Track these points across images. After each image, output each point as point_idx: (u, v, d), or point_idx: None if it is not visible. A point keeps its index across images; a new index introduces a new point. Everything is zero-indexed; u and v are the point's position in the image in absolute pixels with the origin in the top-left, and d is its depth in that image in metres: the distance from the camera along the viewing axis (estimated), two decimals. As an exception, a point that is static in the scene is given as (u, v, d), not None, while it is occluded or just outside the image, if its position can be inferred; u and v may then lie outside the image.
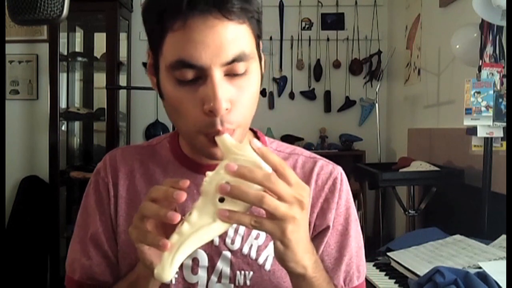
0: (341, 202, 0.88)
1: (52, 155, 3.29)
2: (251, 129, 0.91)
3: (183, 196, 0.63)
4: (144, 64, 3.70)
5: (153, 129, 3.65)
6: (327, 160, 0.92)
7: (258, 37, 0.77)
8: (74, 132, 3.78)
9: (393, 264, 1.62)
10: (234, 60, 0.71)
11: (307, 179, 0.88)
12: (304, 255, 0.70)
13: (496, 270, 1.29)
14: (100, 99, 3.55)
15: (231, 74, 0.73)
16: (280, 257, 0.69)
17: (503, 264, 1.33)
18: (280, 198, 0.63)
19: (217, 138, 0.72)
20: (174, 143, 0.90)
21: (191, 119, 0.74)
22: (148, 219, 0.67)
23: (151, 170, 0.88)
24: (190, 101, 0.73)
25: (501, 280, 1.24)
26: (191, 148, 0.86)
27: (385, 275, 1.58)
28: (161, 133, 3.53)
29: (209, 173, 0.67)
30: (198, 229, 0.64)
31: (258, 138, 0.91)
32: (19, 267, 3.21)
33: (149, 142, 0.94)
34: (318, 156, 0.92)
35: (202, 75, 0.71)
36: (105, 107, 3.32)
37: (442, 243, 1.69)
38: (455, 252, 1.57)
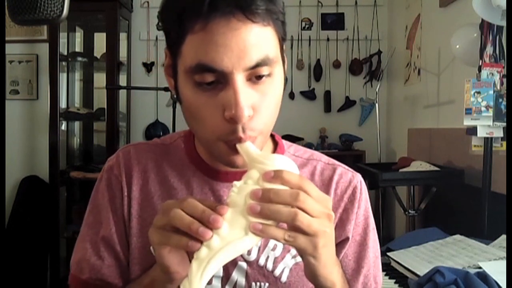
0: (360, 212, 0.86)
1: (52, 155, 3.29)
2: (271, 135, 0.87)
3: (220, 222, 0.61)
4: (144, 64, 3.70)
5: (153, 129, 3.64)
6: (346, 167, 0.89)
7: (282, 39, 0.74)
8: (74, 132, 3.78)
9: (393, 264, 1.62)
10: (257, 65, 0.68)
11: (326, 188, 0.85)
12: (333, 269, 0.69)
13: (496, 270, 1.29)
14: (100, 99, 3.55)
15: (254, 79, 0.69)
16: (311, 272, 0.67)
17: (503, 264, 1.33)
18: (310, 214, 0.61)
19: (238, 146, 0.69)
20: (190, 145, 0.86)
21: (210, 125, 0.70)
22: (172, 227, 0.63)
23: (166, 172, 0.84)
24: (210, 107, 0.69)
25: (501, 280, 1.24)
26: (209, 154, 0.82)
27: (385, 275, 1.57)
28: (161, 133, 3.53)
29: (236, 184, 0.64)
30: (229, 243, 0.61)
31: (276, 142, 0.88)
32: (19, 267, 3.21)
33: (162, 140, 0.89)
34: (337, 162, 0.89)
35: (223, 80, 0.68)
36: (105, 107, 3.32)
37: (442, 243, 1.69)
38: (455, 252, 1.57)
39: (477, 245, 1.60)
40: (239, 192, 0.63)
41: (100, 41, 3.55)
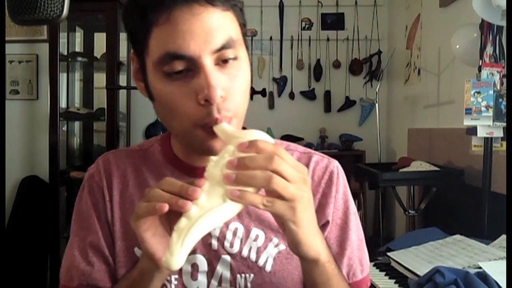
0: (338, 196, 0.87)
1: (52, 155, 3.28)
2: (243, 128, 0.89)
3: (198, 193, 0.61)
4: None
5: (153, 129, 3.65)
6: (322, 154, 0.91)
7: (243, 25, 0.77)
8: (74, 132, 3.77)
9: (393, 264, 1.62)
10: (223, 47, 0.70)
11: None
12: (316, 237, 0.69)
13: (496, 270, 1.29)
14: (100, 99, 3.55)
15: (221, 63, 0.71)
16: (293, 240, 0.67)
17: (503, 264, 1.33)
18: (285, 178, 0.62)
19: (215, 128, 0.70)
20: (166, 146, 0.87)
21: (186, 113, 0.72)
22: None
23: (144, 175, 0.86)
24: (183, 95, 0.71)
25: (501, 280, 1.24)
26: (185, 150, 0.84)
27: (385, 275, 1.58)
28: (161, 133, 3.52)
29: (213, 158, 0.64)
30: (208, 211, 0.61)
31: None
32: (19, 267, 3.21)
33: (141, 146, 0.91)
34: (313, 151, 0.91)
35: (192, 67, 0.70)
36: (105, 107, 3.32)
37: (442, 243, 1.69)
38: (455, 252, 1.57)
39: (477, 245, 1.60)
40: (215, 165, 0.63)
41: (100, 41, 3.55)
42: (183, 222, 0.61)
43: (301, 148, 0.91)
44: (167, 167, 0.85)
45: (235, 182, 0.61)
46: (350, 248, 0.86)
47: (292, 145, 0.92)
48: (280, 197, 0.62)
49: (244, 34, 0.77)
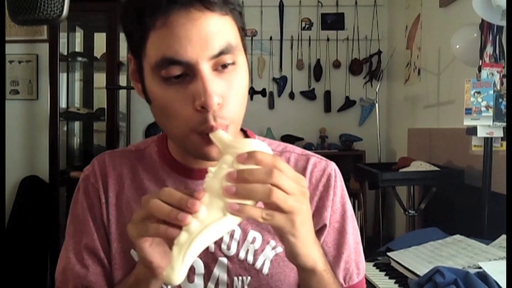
0: (336, 199, 0.86)
1: (52, 155, 3.28)
2: (241, 129, 0.88)
3: (198, 206, 0.61)
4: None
5: (153, 129, 3.64)
6: (320, 157, 0.90)
7: (242, 29, 0.76)
8: (74, 132, 3.77)
9: (393, 264, 1.62)
10: (221, 53, 0.69)
11: None
12: (313, 247, 0.69)
13: (496, 270, 1.29)
14: (100, 99, 3.55)
15: (219, 69, 0.71)
16: (292, 252, 0.67)
17: (503, 264, 1.33)
18: (284, 191, 0.61)
19: (211, 135, 0.69)
20: (163, 147, 0.87)
21: (182, 118, 0.71)
22: (152, 218, 0.63)
23: (141, 176, 0.85)
24: (180, 100, 0.70)
25: (501, 280, 1.24)
26: (182, 152, 0.83)
27: (385, 275, 1.58)
28: (161, 133, 3.52)
29: (211, 169, 0.64)
30: (208, 225, 0.61)
31: (248, 136, 0.89)
32: (19, 267, 3.21)
33: (137, 146, 0.91)
34: (311, 153, 0.90)
35: (189, 72, 0.69)
36: (105, 107, 3.32)
37: (442, 243, 1.69)
38: (455, 252, 1.57)
39: (477, 245, 1.60)
40: (214, 176, 0.63)
41: (100, 41, 3.55)
42: (183, 236, 0.61)
43: (298, 150, 0.91)
44: (164, 169, 0.85)
45: (236, 195, 0.60)
46: (347, 251, 0.86)
47: (290, 146, 0.91)
48: (279, 209, 0.62)
49: (243, 38, 0.76)
